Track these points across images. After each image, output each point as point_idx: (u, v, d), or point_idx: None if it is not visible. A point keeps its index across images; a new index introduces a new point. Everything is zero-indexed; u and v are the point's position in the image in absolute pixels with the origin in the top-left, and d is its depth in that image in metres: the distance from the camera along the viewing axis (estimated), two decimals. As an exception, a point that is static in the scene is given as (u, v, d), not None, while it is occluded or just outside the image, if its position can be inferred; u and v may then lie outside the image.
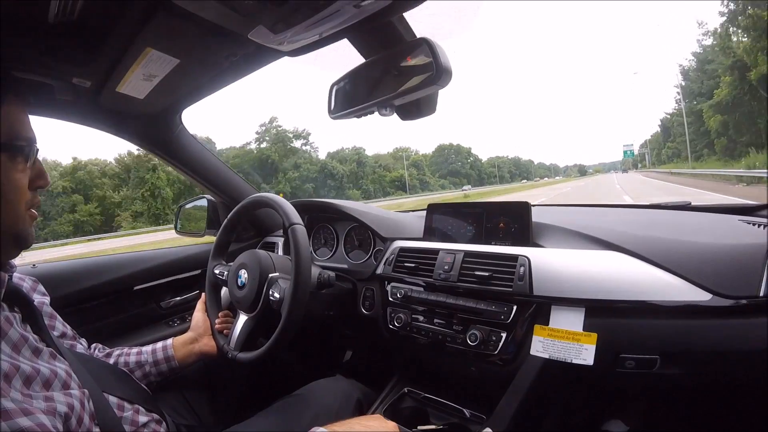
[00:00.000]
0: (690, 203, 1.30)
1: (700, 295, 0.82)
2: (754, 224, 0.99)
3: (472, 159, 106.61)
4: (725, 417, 1.25)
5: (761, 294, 0.79)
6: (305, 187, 58.57)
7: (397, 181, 78.04)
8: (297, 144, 63.74)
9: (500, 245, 1.12)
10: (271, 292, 1.05)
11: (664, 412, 1.34)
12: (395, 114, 0.91)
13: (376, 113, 0.89)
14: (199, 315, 1.18)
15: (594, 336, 0.92)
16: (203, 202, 1.70)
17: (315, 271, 1.13)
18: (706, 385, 1.00)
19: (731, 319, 0.81)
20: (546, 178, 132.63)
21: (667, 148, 62.31)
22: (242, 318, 1.11)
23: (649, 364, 0.88)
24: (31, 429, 0.50)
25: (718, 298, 0.81)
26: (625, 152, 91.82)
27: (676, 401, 1.32)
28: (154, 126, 1.42)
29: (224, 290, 1.25)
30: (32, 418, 0.51)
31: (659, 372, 0.88)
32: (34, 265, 1.35)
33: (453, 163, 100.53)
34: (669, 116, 59.47)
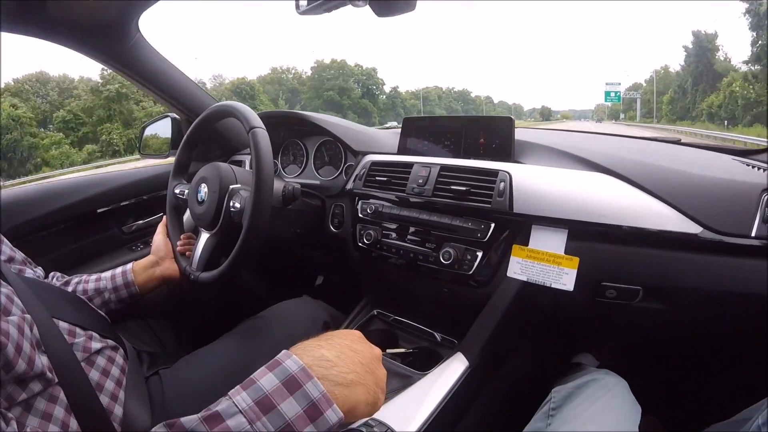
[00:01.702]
0: (680, 140, 1.25)
1: (690, 227, 0.78)
2: (749, 165, 0.94)
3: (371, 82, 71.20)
4: (699, 358, 1.26)
5: (752, 234, 0.75)
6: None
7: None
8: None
9: (480, 160, 1.06)
10: (231, 203, 0.98)
11: (636, 349, 1.35)
12: (370, 9, 0.81)
13: (349, 5, 0.79)
14: (159, 238, 1.12)
15: (576, 260, 0.87)
16: (167, 121, 1.59)
17: (280, 185, 1.05)
18: (683, 324, 0.98)
19: (720, 257, 0.78)
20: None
21: (677, 100, 50.23)
22: (204, 236, 1.05)
23: (631, 295, 0.85)
24: None
25: (708, 232, 0.77)
26: (606, 93, 60.44)
27: (650, 338, 1.32)
28: (108, 35, 1.29)
29: (187, 213, 1.18)
30: None
31: (640, 305, 0.86)
32: None
33: (329, 90, 66.91)
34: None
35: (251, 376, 0.47)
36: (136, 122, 36.87)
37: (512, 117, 1.08)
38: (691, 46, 47.27)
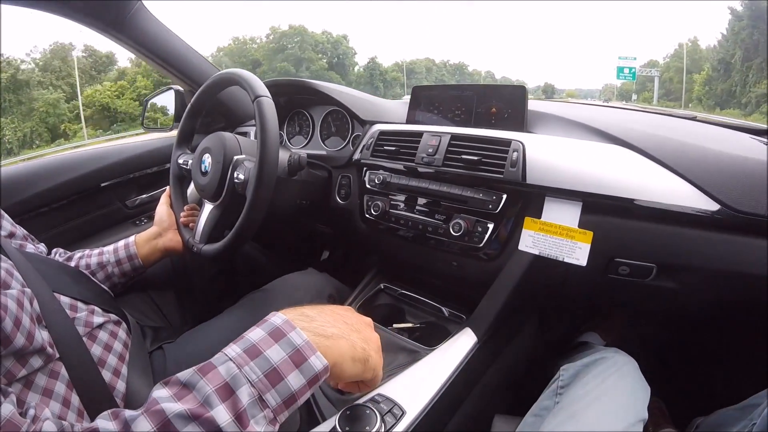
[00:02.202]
0: (696, 116, 1.21)
1: (707, 204, 0.75)
2: (767, 144, 0.89)
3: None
4: (708, 341, 1.24)
5: None
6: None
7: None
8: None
9: (491, 130, 1.02)
10: (235, 175, 0.96)
11: (644, 329, 1.33)
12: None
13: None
14: (163, 209, 1.11)
15: (590, 234, 0.84)
16: (170, 94, 1.56)
17: (285, 155, 1.03)
18: (695, 304, 0.96)
19: (736, 236, 0.75)
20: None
21: (715, 80, 38.52)
22: (207, 207, 1.04)
23: (644, 272, 0.83)
24: None
25: (726, 210, 0.74)
26: (619, 70, 47.37)
27: (660, 318, 1.30)
28: (107, 3, 1.26)
29: (191, 183, 1.16)
30: None
31: (653, 283, 0.83)
32: None
33: (283, 61, 56.62)
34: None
35: (243, 334, 0.51)
36: (35, 112, 32.51)
37: (524, 86, 1.04)
38: (740, 8, 35.30)
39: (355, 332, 0.59)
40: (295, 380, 0.47)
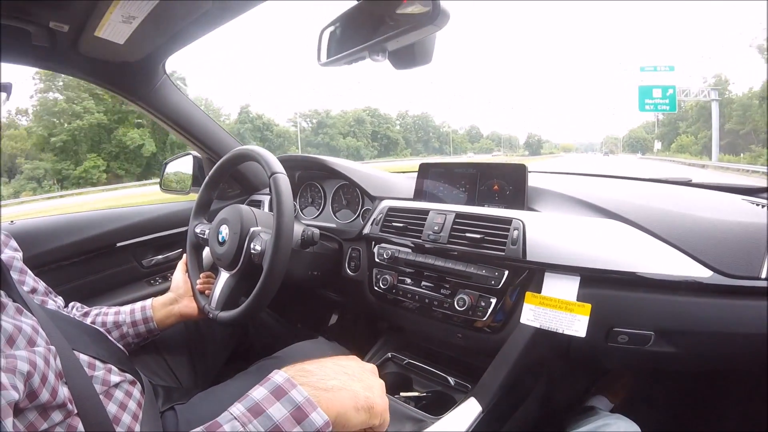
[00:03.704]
0: (691, 180, 1.26)
1: (700, 272, 0.79)
2: (758, 204, 0.95)
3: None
4: (713, 399, 1.25)
5: (763, 276, 0.76)
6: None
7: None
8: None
9: (494, 208, 1.08)
10: (252, 246, 1.00)
11: (650, 391, 1.33)
12: (389, 62, 0.85)
13: (368, 60, 0.84)
14: (179, 275, 1.14)
15: (588, 307, 0.88)
16: (189, 159, 1.64)
17: (299, 228, 1.08)
18: (697, 366, 0.99)
19: (731, 300, 0.78)
20: (470, 154, 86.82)
21: None
22: (223, 276, 1.07)
23: (643, 340, 0.85)
24: None
25: (718, 276, 0.78)
26: (643, 94, 28.78)
27: (665, 381, 1.31)
28: (136, 75, 1.36)
29: (206, 251, 1.20)
30: None
31: (652, 349, 0.85)
32: (12, 221, 1.31)
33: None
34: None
35: (247, 392, 0.54)
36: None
37: (525, 164, 1.10)
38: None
39: (356, 381, 0.59)
40: None
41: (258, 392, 0.53)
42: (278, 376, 0.55)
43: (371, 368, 0.65)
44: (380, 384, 0.63)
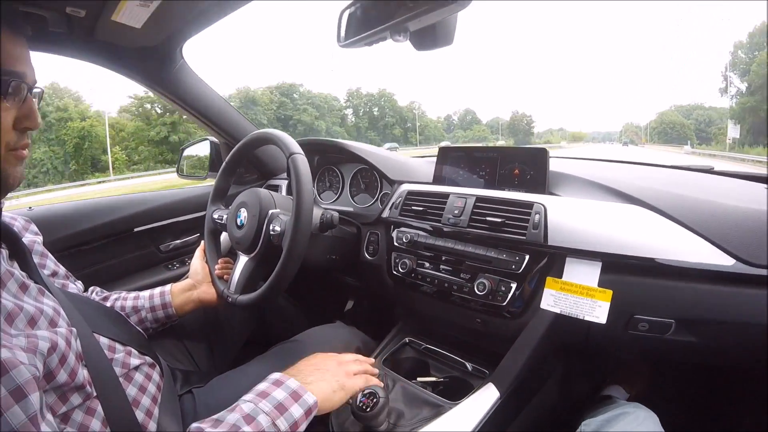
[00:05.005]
0: (713, 168, 1.24)
1: (723, 260, 0.77)
2: None
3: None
4: (731, 391, 1.23)
5: None
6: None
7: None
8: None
9: (514, 192, 1.06)
10: (271, 227, 1.00)
11: (668, 381, 1.32)
12: (410, 42, 0.84)
13: (389, 40, 0.81)
14: (197, 262, 1.15)
15: (609, 293, 0.87)
16: (206, 144, 1.65)
17: (318, 212, 1.07)
18: (717, 359, 0.97)
19: (753, 289, 0.76)
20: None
21: None
22: (242, 260, 1.07)
23: (664, 328, 0.84)
24: (8, 361, 0.47)
25: (741, 265, 0.76)
26: None
27: (683, 370, 1.29)
28: (153, 60, 1.36)
29: (224, 237, 1.21)
30: (8, 353, 0.48)
31: (672, 338, 0.84)
32: (30, 207, 1.33)
33: None
34: None
35: (253, 388, 0.72)
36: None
37: (546, 148, 1.09)
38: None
39: (327, 373, 0.80)
40: (296, 411, 0.68)
41: (262, 385, 0.73)
42: (275, 374, 0.75)
43: (341, 359, 0.87)
44: (341, 369, 0.83)
